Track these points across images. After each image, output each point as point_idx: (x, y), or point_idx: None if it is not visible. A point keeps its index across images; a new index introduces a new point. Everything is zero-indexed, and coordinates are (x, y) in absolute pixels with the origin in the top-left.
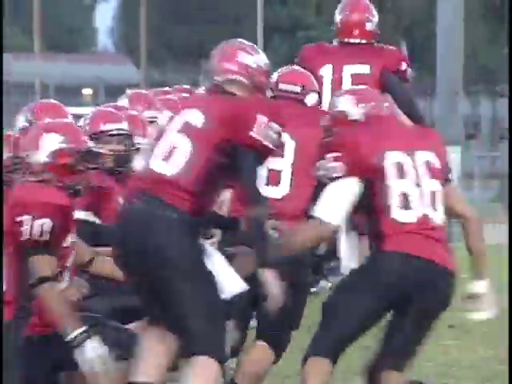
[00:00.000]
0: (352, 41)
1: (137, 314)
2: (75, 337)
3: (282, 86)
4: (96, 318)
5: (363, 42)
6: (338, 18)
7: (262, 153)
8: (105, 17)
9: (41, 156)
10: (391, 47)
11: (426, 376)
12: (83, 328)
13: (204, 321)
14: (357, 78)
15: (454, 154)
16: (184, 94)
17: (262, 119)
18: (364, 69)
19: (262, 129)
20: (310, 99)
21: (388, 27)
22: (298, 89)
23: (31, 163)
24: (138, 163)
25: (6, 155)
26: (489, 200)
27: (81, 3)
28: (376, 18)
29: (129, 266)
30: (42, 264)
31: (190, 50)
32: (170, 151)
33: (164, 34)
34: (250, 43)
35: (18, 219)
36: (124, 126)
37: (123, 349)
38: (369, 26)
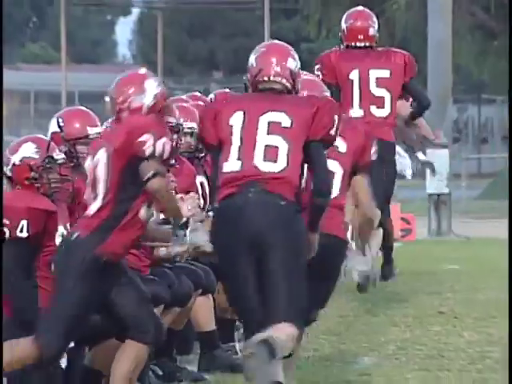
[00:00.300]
0: (358, 44)
1: (154, 301)
2: (185, 222)
3: None
4: None
5: (367, 44)
6: (344, 25)
7: (328, 144)
8: (124, 31)
9: (147, 98)
10: (403, 52)
11: (420, 359)
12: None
13: (298, 293)
14: (380, 81)
15: (443, 156)
16: (199, 102)
17: (335, 115)
18: (385, 73)
19: (336, 123)
20: None
21: (382, 39)
22: None
23: (137, 106)
24: (228, 165)
25: (39, 155)
26: (474, 198)
27: (103, 18)
28: (376, 24)
29: (238, 250)
30: (155, 165)
31: (202, 60)
32: (269, 151)
33: (178, 46)
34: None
35: (140, 139)
36: None
37: None
38: (371, 31)
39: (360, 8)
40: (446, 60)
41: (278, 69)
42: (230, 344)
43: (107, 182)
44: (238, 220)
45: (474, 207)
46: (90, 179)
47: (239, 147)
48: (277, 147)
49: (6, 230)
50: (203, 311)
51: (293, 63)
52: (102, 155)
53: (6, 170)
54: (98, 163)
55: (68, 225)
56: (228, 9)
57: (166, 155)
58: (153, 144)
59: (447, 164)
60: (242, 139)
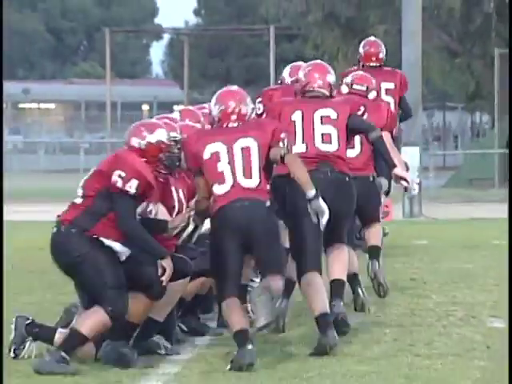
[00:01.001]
0: (372, 64)
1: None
2: (314, 196)
3: (355, 86)
4: None
5: (378, 65)
6: (361, 50)
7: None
8: (157, 52)
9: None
10: (401, 71)
11: (396, 317)
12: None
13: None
14: (388, 91)
15: (415, 153)
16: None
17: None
18: (391, 85)
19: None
20: (371, 95)
21: None
22: (364, 88)
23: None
24: (296, 148)
25: (168, 142)
26: (440, 186)
27: (140, 42)
28: (384, 50)
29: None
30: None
31: (220, 76)
32: (325, 136)
33: (201, 65)
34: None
35: (281, 136)
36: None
37: None
38: (381, 55)
39: (372, 38)
40: (416, 75)
41: (320, 82)
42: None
43: (260, 164)
44: (328, 193)
45: (440, 194)
46: (241, 162)
47: (302, 135)
48: (330, 133)
49: (118, 179)
50: None
51: (331, 78)
52: (251, 143)
53: (140, 144)
54: (251, 149)
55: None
56: (241, 35)
57: None
58: (287, 140)
59: (418, 159)
60: (303, 129)
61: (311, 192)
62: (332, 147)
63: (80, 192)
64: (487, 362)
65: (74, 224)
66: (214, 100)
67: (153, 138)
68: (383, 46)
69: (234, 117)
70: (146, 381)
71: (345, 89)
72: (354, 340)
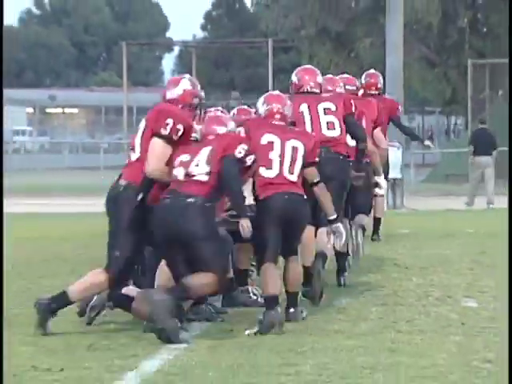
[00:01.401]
0: (372, 92)
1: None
2: (334, 218)
3: (347, 87)
4: None
5: (377, 92)
6: (363, 80)
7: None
8: (169, 63)
9: None
10: (391, 98)
11: (381, 297)
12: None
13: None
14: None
15: (398, 151)
16: (219, 113)
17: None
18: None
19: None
20: (360, 92)
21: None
22: (355, 88)
23: None
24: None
25: None
26: (420, 181)
27: (153, 54)
28: (382, 80)
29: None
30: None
31: (224, 83)
32: (329, 124)
33: (207, 74)
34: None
35: None
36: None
37: None
38: (379, 85)
39: (372, 71)
40: (399, 83)
41: (312, 83)
42: (244, 287)
43: (303, 165)
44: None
45: (420, 188)
46: (289, 158)
47: (310, 123)
48: (333, 122)
49: (243, 151)
50: None
51: (320, 78)
52: (300, 146)
53: (226, 131)
54: (298, 150)
55: None
56: (243, 47)
57: None
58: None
59: (400, 156)
60: (311, 118)
61: (333, 216)
62: (335, 133)
63: (206, 168)
64: (461, 338)
65: (207, 200)
66: (261, 100)
67: (223, 130)
68: (381, 77)
69: (278, 116)
70: (158, 354)
71: (340, 90)
72: (344, 318)
